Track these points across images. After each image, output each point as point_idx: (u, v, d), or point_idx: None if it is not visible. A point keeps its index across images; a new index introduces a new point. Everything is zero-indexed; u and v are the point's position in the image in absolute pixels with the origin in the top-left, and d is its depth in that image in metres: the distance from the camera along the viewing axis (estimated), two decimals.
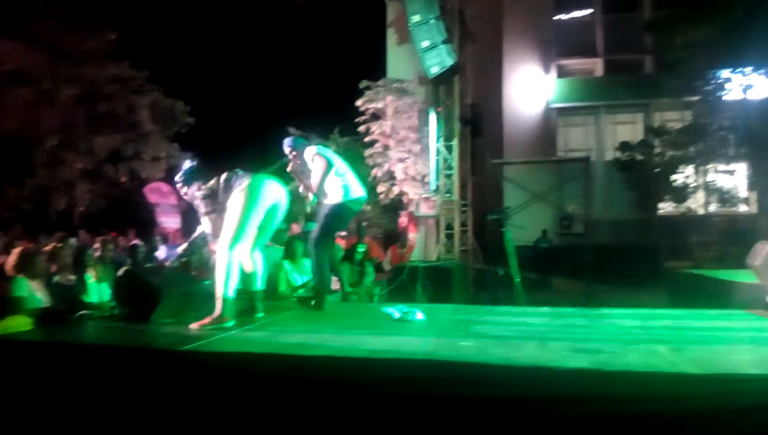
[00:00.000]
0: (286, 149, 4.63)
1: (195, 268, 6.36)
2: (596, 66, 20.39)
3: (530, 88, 19.22)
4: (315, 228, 4.60)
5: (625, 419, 2.30)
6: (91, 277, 5.03)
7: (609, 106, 19.52)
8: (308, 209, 5.89)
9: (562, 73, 20.05)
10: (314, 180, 4.42)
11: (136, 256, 6.44)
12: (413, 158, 12.10)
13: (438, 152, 11.28)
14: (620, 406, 2.34)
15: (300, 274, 5.68)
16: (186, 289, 4.38)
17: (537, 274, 11.94)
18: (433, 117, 11.47)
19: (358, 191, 4.54)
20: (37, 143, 17.79)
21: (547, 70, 19.48)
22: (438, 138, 11.31)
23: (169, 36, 19.70)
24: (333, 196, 4.43)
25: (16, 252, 4.62)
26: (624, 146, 16.75)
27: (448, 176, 11.19)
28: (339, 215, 4.49)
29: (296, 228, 7.79)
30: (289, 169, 4.66)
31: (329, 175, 4.41)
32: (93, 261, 5.27)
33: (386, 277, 8.09)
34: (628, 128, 19.15)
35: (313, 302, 4.47)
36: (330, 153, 4.59)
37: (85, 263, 5.06)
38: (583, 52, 20.13)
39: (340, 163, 4.56)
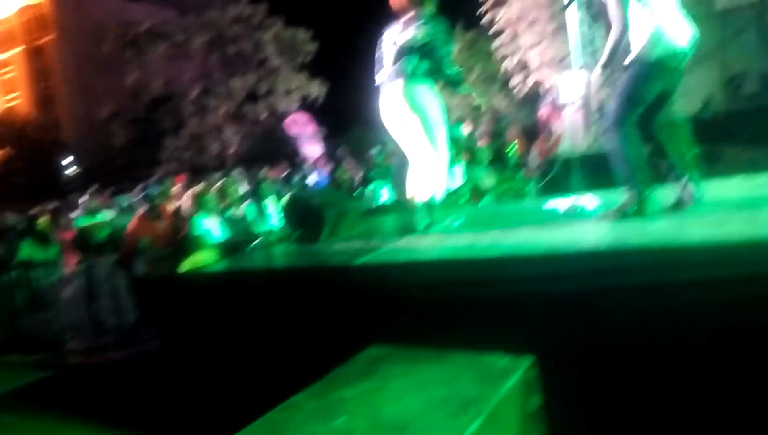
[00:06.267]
0: None
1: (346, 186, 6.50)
2: None
3: None
4: (611, 105, 3.24)
5: None
6: (268, 206, 5.33)
7: None
8: None
9: None
10: (613, 17, 3.03)
11: (291, 184, 6.72)
12: (548, 40, 11.10)
13: (579, 25, 10.13)
14: None
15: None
16: (343, 207, 4.42)
17: (706, 146, 10.69)
18: None
19: (681, 35, 2.99)
20: (182, 95, 19.18)
21: None
22: (579, 7, 10.11)
23: None
24: (639, 49, 3.03)
25: (189, 194, 4.99)
26: None
27: (595, 52, 10.10)
28: (647, 79, 3.04)
29: None
30: None
31: (634, 11, 3.01)
32: (269, 191, 5.58)
33: (534, 174, 7.68)
34: None
35: (630, 209, 3.13)
36: None
37: (262, 194, 5.36)
38: None
39: None
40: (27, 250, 6.14)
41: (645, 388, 2.25)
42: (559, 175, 6.88)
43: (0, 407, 4.37)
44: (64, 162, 26.25)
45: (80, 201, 6.94)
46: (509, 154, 6.33)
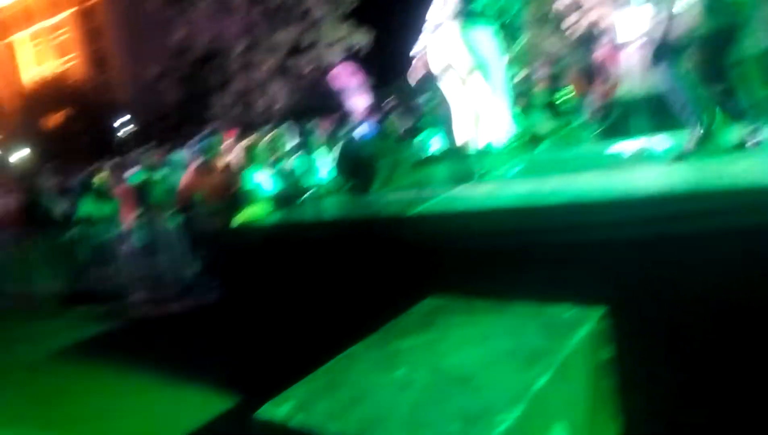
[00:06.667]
0: None
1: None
2: None
3: None
4: (663, 44, 3.04)
5: None
6: (317, 158, 5.29)
7: None
8: None
9: None
10: None
11: (340, 136, 6.62)
12: None
13: None
14: None
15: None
16: (395, 156, 4.31)
17: None
18: None
19: None
20: (227, 51, 19.14)
21: None
22: None
23: None
24: None
25: (239, 148, 4.98)
26: None
27: None
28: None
29: None
30: None
31: None
32: (317, 143, 5.52)
33: (593, 118, 7.32)
34: None
35: (695, 150, 2.97)
36: None
37: (311, 147, 5.32)
38: None
39: None
40: (87, 207, 6.33)
41: (721, 339, 2.11)
42: (619, 119, 6.53)
43: (69, 357, 4.59)
44: (119, 121, 26.93)
45: (135, 158, 7.09)
46: (561, 98, 6.02)
